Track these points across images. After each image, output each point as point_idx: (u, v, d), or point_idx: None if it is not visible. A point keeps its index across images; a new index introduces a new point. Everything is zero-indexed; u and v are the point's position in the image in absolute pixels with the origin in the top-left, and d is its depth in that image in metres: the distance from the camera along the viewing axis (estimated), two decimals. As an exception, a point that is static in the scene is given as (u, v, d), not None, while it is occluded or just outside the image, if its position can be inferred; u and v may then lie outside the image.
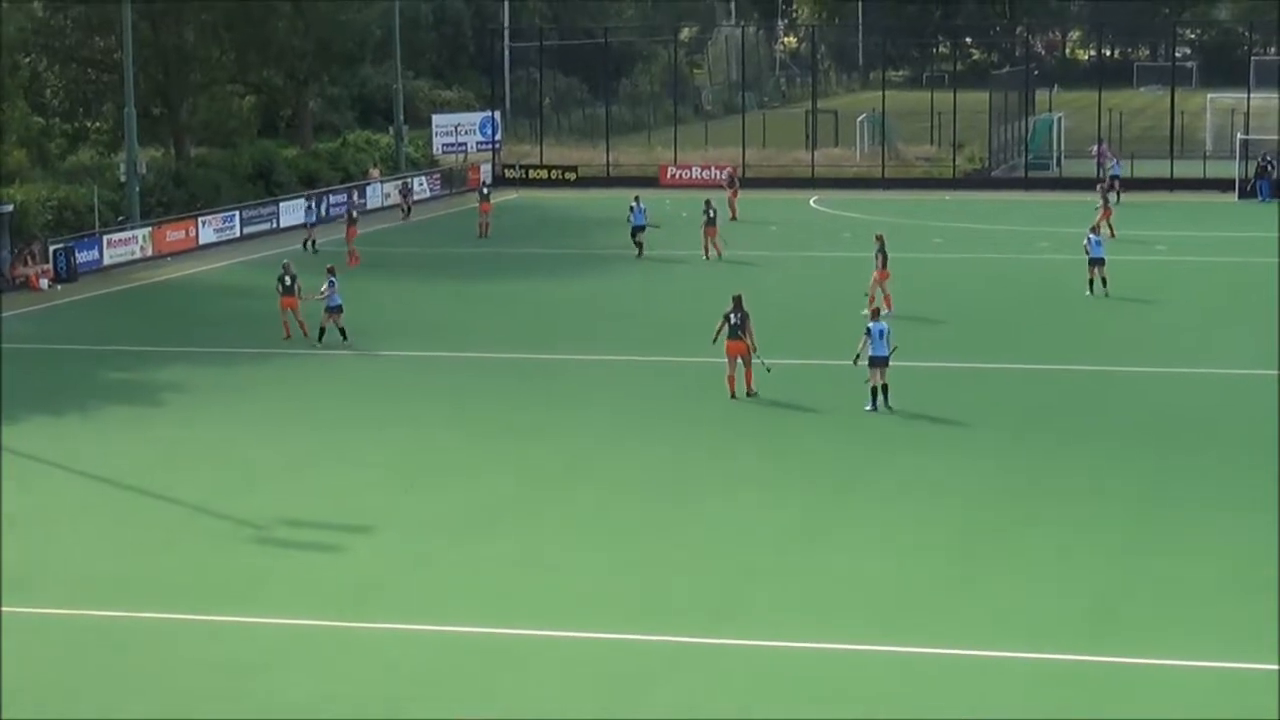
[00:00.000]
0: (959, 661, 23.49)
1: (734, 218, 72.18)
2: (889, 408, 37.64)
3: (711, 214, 62.55)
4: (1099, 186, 69.74)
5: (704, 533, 29.61)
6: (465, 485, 32.79)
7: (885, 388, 37.74)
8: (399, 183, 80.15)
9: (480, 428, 37.42)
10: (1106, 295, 52.00)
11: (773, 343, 41.07)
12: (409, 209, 76.89)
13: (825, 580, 26.94)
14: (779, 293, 53.58)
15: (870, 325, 37.80)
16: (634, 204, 65.04)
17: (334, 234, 65.88)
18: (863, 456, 34.63)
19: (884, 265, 49.69)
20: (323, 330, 45.96)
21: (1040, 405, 38.89)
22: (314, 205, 69.95)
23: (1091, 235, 53.57)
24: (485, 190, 74.06)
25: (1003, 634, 24.35)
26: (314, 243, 65.04)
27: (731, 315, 38.72)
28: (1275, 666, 22.83)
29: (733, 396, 38.95)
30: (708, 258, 61.66)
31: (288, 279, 46.80)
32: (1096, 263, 52.46)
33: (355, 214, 66.45)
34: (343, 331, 46.03)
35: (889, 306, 47.63)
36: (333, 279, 45.89)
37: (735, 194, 74.53)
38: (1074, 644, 23.91)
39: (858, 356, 38.21)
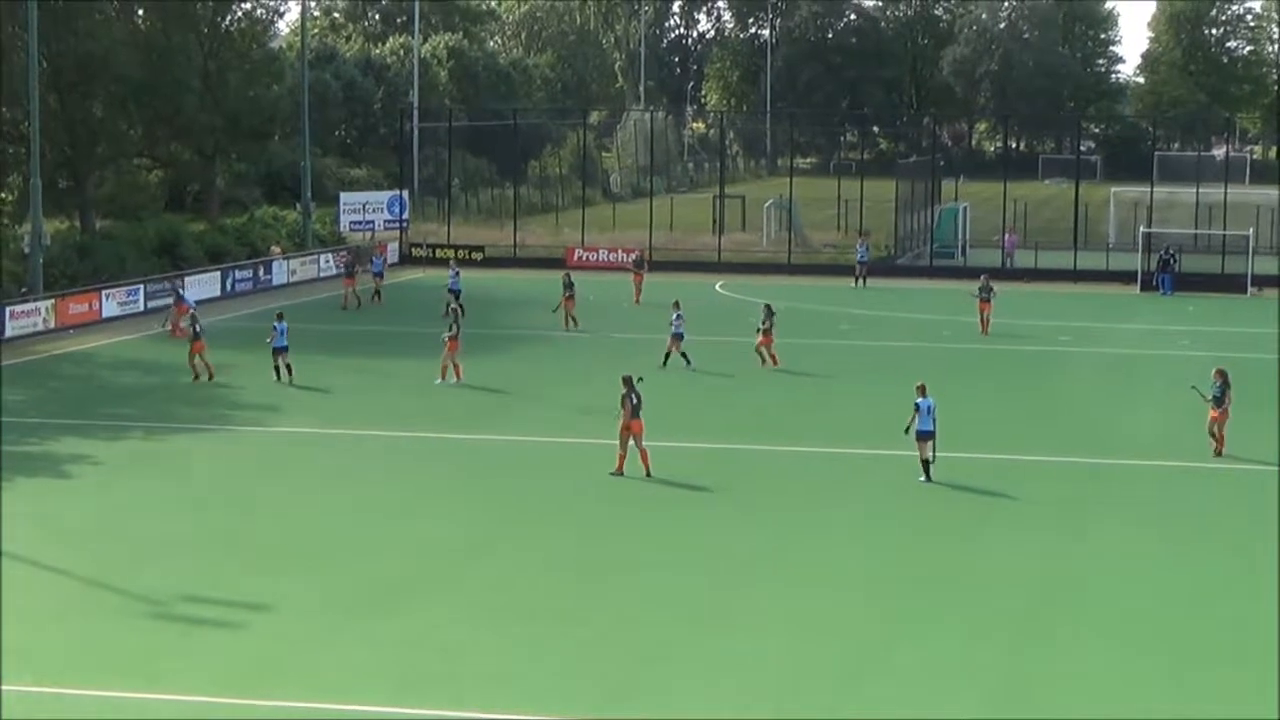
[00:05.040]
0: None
1: (638, 301, 72.45)
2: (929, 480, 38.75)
3: (569, 286, 65.56)
4: (983, 276, 68.22)
5: (605, 613, 29.50)
6: (366, 564, 32.50)
7: (929, 461, 38.82)
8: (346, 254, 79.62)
9: (381, 506, 37.18)
10: (664, 368, 53.97)
11: (676, 424, 41.32)
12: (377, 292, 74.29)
13: (726, 661, 26.84)
14: (684, 374, 53.74)
15: (918, 401, 38.67)
16: (453, 272, 70.37)
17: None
18: (764, 538, 34.60)
19: (456, 336, 52.44)
20: (276, 370, 51.69)
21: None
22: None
23: (675, 313, 55.72)
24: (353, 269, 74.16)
25: (906, 711, 24.38)
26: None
27: (631, 396, 39.29)
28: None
29: (618, 473, 39.34)
30: (567, 329, 63.98)
31: (197, 326, 52.47)
32: (677, 339, 55.29)
33: (181, 291, 66.81)
34: (289, 368, 51.56)
35: (459, 377, 51.49)
36: (280, 324, 51.90)
37: (641, 277, 74.71)
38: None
39: (908, 428, 39.07)
